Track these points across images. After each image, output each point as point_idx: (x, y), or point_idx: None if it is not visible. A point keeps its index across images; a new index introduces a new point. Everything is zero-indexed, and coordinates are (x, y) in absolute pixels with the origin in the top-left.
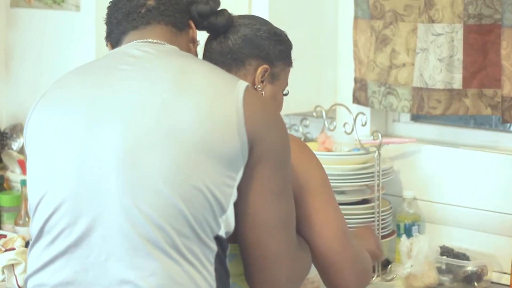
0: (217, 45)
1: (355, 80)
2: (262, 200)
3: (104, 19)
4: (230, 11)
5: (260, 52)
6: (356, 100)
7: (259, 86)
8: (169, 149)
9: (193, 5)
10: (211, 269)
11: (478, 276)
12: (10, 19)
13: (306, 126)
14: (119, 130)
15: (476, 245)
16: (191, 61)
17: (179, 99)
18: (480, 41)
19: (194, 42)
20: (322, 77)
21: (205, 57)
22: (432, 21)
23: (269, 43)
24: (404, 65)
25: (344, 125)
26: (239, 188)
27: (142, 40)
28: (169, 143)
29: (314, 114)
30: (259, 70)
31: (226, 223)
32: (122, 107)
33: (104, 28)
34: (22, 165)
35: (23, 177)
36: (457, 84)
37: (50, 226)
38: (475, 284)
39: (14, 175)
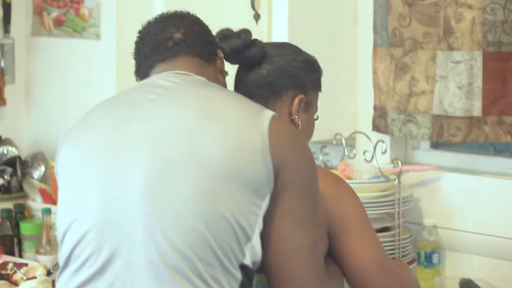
0: (253, 77)
1: (375, 108)
2: (287, 226)
3: (133, 54)
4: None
5: (296, 82)
6: (375, 127)
7: (296, 116)
8: (194, 176)
9: (225, 41)
10: None
11: None
12: (31, 48)
13: (326, 154)
14: (144, 159)
15: (497, 273)
16: (217, 91)
17: (204, 128)
18: (499, 68)
19: (222, 73)
20: (341, 105)
21: (239, 89)
22: (451, 48)
23: (304, 73)
24: (423, 92)
25: (364, 153)
26: (265, 215)
27: (170, 72)
28: (194, 171)
29: (334, 142)
30: (296, 100)
31: (252, 252)
32: (147, 136)
33: (124, 56)
34: (43, 193)
35: (44, 205)
36: (477, 111)
37: (76, 253)
38: None
39: (35, 203)
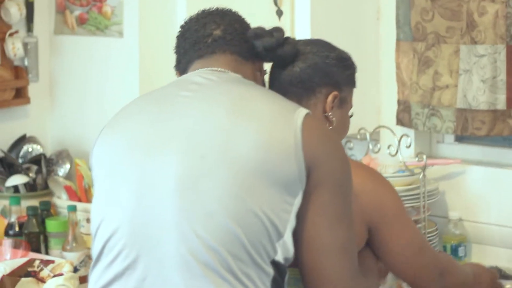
0: (286, 74)
1: (399, 102)
2: (319, 225)
3: (174, 48)
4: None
5: (330, 79)
6: (400, 122)
7: (330, 113)
8: (226, 173)
9: (258, 39)
10: None
11: None
12: (54, 46)
13: (350, 149)
14: (177, 155)
15: None
16: (252, 88)
17: (237, 125)
18: None
19: (261, 71)
20: (365, 99)
21: (273, 86)
22: (474, 42)
23: (338, 70)
24: (447, 86)
25: (388, 147)
26: (298, 213)
27: (206, 69)
28: (226, 168)
29: (358, 136)
30: (330, 97)
31: (284, 249)
32: (180, 133)
33: (147, 54)
34: (69, 191)
35: (69, 202)
36: (501, 105)
37: (109, 248)
38: None
39: (60, 201)
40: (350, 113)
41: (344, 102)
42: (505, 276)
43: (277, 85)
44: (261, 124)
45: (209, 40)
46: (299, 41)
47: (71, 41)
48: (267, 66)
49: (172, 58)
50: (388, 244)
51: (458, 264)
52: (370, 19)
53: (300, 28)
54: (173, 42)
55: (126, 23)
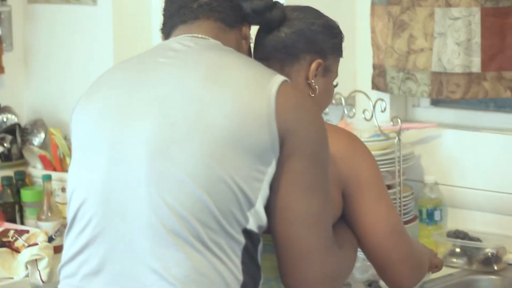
0: (271, 39)
1: (374, 67)
2: (292, 194)
3: (162, 10)
4: None
5: (314, 46)
6: (375, 86)
7: (313, 81)
8: (197, 142)
9: (246, 0)
10: (238, 261)
11: (496, 258)
12: (28, 15)
13: (325, 114)
14: (149, 122)
15: (498, 228)
16: (230, 56)
17: (211, 92)
18: (497, 24)
19: (247, 39)
20: (341, 64)
21: (258, 51)
22: (449, 5)
23: (323, 37)
24: (422, 50)
25: (363, 112)
26: (272, 182)
27: (187, 35)
28: (197, 136)
29: (333, 101)
30: (314, 64)
31: (256, 217)
32: (154, 99)
33: (120, 21)
34: (43, 160)
35: (44, 172)
36: (476, 67)
37: (80, 215)
38: (494, 266)
39: (35, 170)
40: (334, 83)
41: (329, 71)
42: (471, 238)
43: (261, 50)
44: (235, 92)
45: (194, 6)
46: (287, 7)
47: (45, 10)
48: (253, 33)
49: (145, 25)
50: (358, 216)
51: (427, 251)
52: None
53: None
54: (146, 9)
55: None
